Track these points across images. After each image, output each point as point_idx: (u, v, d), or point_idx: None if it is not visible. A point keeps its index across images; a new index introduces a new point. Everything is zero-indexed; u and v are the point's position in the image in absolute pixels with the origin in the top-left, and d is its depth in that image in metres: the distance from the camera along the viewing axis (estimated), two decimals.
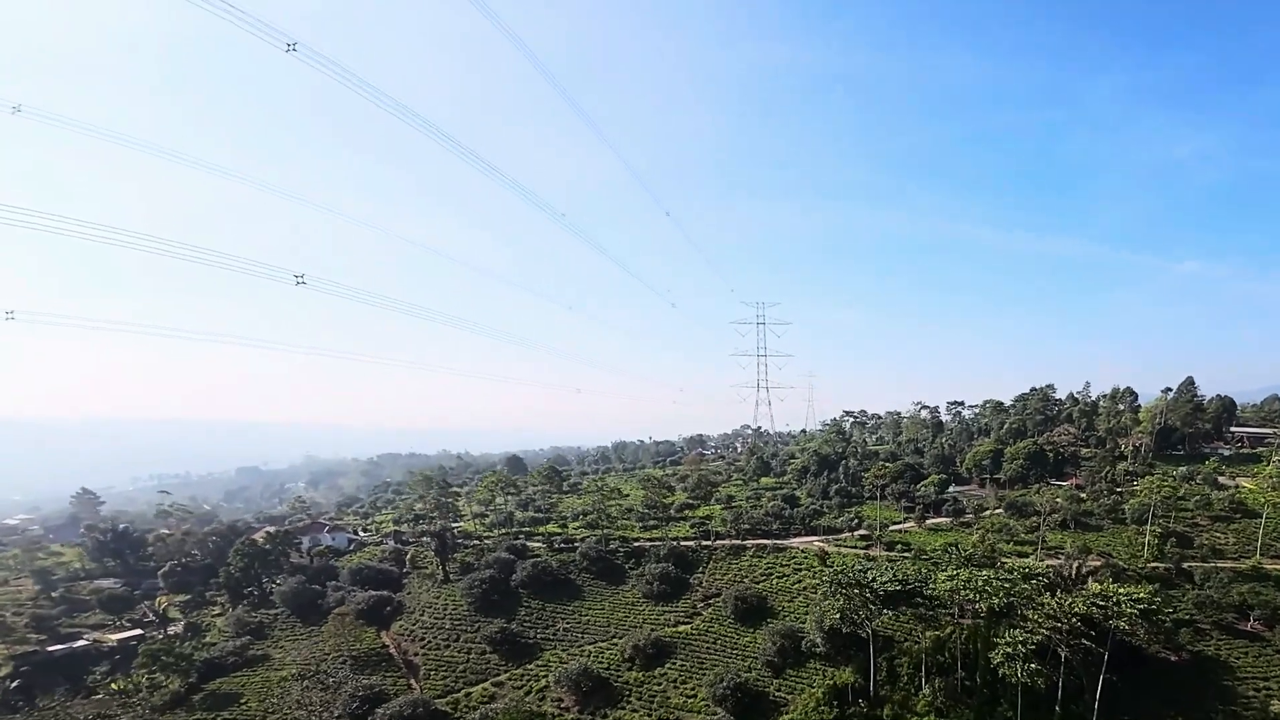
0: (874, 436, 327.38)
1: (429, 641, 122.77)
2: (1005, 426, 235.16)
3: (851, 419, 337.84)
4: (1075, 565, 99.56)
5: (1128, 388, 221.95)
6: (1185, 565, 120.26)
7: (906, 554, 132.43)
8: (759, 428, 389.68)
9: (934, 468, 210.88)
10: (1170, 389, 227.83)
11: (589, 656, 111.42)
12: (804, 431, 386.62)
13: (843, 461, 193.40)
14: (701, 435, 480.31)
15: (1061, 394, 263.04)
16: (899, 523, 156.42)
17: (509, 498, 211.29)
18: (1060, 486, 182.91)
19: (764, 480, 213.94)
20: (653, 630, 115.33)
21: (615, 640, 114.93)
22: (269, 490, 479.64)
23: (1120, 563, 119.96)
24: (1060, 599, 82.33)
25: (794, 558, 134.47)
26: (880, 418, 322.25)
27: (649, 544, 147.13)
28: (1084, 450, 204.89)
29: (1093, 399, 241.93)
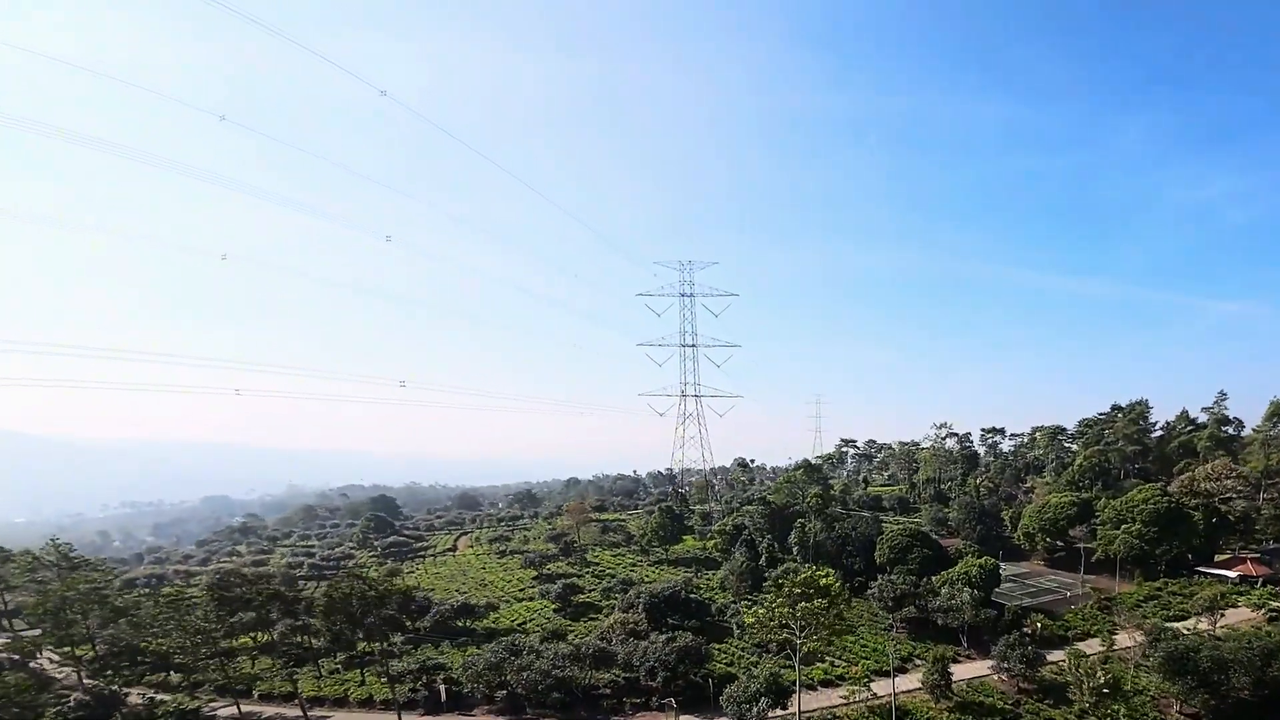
0: (885, 474, 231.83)
1: None
2: (1079, 463, 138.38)
3: (854, 449, 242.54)
4: None
5: None
6: None
7: None
8: (747, 464, 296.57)
9: (968, 527, 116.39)
10: None
11: None
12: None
13: (799, 522, 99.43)
14: (670, 470, 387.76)
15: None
16: (889, 671, 62.95)
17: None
18: (1224, 579, 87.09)
19: (686, 543, 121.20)
20: None
21: None
22: (207, 524, 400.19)
23: None
24: None
25: None
26: (891, 449, 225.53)
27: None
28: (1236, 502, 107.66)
29: (1226, 419, 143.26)
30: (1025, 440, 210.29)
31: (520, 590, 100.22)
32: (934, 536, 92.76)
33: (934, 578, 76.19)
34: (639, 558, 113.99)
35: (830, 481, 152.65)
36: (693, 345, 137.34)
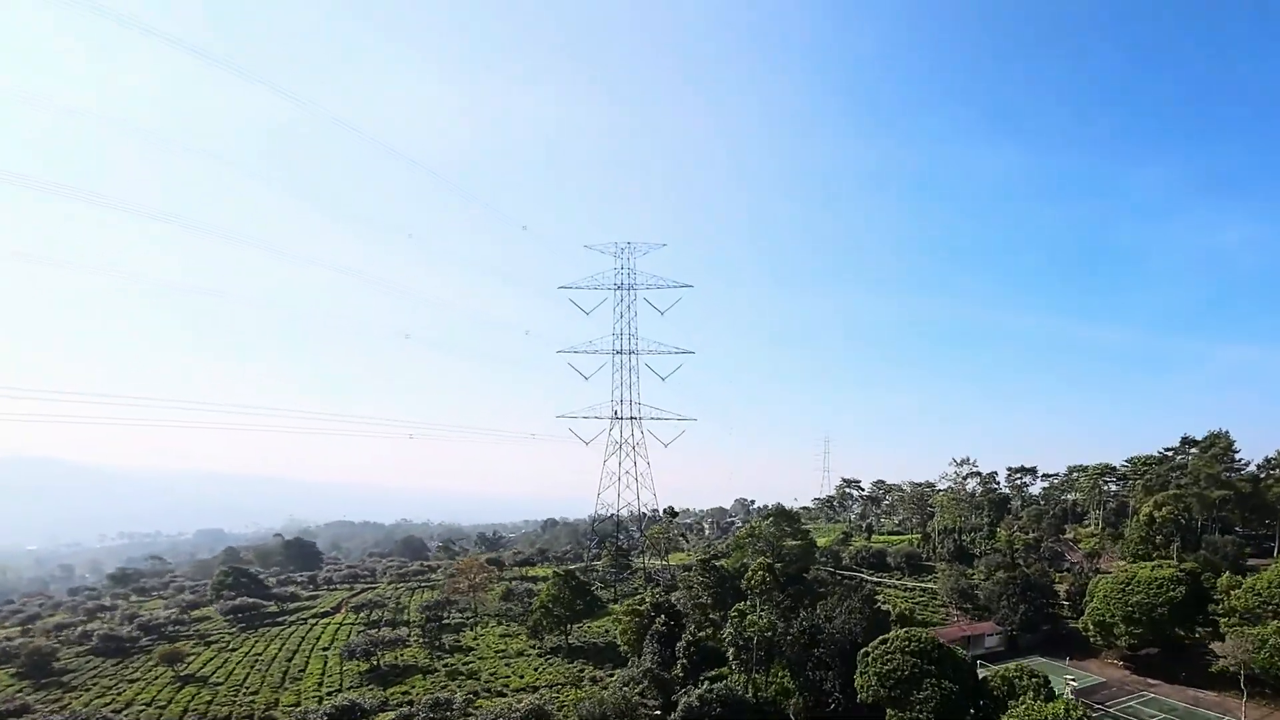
0: (895, 519, 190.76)
1: None
2: (1147, 512, 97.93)
3: (860, 492, 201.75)
4: None
5: None
6: None
7: None
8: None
9: (1006, 605, 76.98)
10: None
11: None
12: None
13: (735, 611, 60.35)
14: (672, 509, 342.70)
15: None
16: None
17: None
18: None
19: (612, 615, 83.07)
20: None
21: None
22: (183, 558, 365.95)
23: None
24: None
25: None
26: (901, 490, 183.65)
27: None
28: None
29: None
30: (1060, 481, 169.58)
31: (323, 696, 63.33)
32: (960, 652, 53.87)
33: None
34: (530, 644, 76.25)
35: (813, 533, 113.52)
36: (631, 352, 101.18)
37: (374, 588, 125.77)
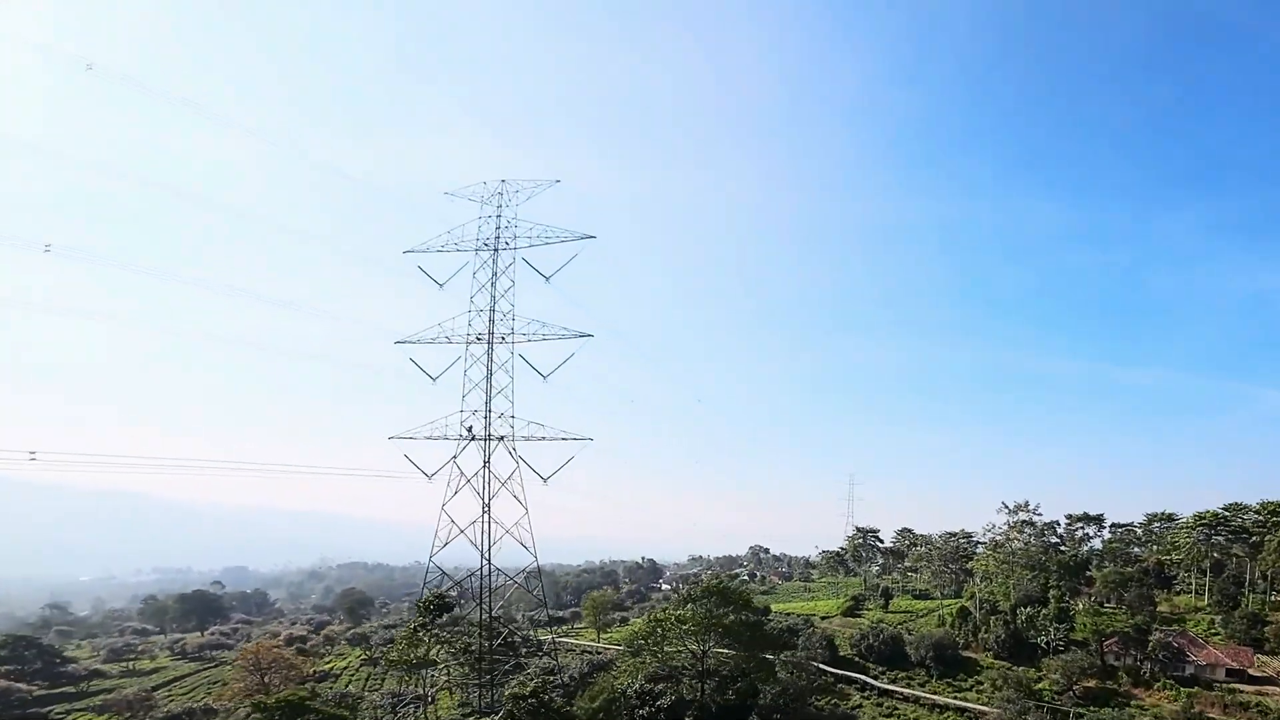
0: (923, 572, 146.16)
1: None
2: None
3: (879, 542, 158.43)
4: None
5: None
6: None
7: None
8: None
9: None
10: None
11: None
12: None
13: None
14: (701, 558, 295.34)
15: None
16: None
17: None
18: None
19: None
20: None
21: None
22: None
23: None
24: None
25: None
26: (933, 544, 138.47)
27: None
28: None
29: None
30: (1133, 533, 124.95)
31: None
32: None
33: None
34: None
35: (767, 611, 73.73)
36: (501, 340, 62.20)
37: (222, 665, 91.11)
